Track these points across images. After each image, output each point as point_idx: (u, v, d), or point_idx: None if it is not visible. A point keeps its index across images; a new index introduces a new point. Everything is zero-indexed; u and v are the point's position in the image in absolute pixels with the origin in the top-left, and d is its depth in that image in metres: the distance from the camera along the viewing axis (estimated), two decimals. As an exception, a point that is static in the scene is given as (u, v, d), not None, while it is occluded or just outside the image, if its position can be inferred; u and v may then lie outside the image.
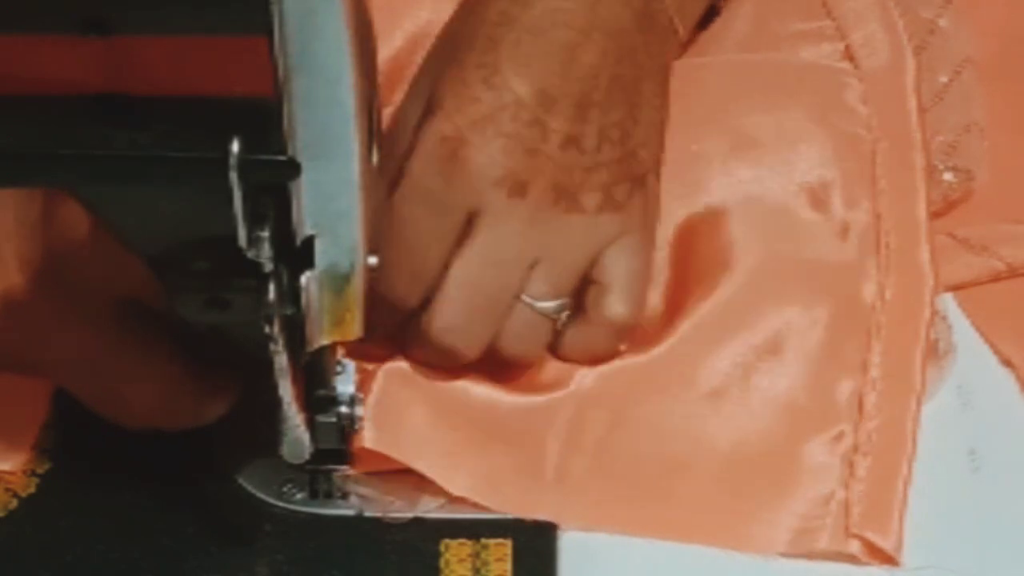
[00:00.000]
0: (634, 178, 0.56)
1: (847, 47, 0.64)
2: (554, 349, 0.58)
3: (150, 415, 0.55)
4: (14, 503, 0.56)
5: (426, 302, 0.55)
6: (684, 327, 0.58)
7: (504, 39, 0.54)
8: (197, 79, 0.38)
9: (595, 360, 0.58)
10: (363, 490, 0.57)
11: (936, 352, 0.59)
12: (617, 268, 0.56)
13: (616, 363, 0.58)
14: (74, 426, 0.57)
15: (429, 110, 0.55)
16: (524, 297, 0.55)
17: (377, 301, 0.55)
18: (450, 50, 0.56)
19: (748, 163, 0.61)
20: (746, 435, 0.57)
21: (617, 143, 0.56)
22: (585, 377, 0.58)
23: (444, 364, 0.57)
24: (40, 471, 0.57)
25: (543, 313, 0.56)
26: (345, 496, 0.57)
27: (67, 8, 0.37)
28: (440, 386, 0.57)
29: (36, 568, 0.55)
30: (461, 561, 0.55)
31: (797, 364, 0.58)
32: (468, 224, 0.54)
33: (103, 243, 0.51)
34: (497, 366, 0.57)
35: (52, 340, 0.54)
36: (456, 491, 0.55)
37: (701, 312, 0.59)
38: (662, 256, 0.60)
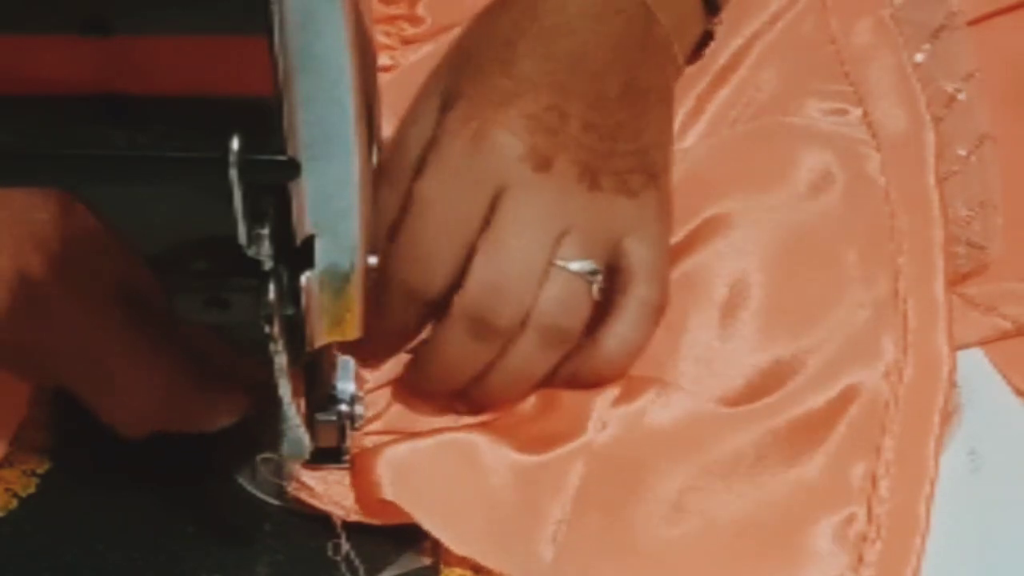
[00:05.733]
0: (648, 172, 0.57)
1: (865, 115, 0.64)
2: (596, 350, 0.57)
3: (143, 414, 0.54)
4: (14, 503, 0.56)
5: (445, 293, 0.55)
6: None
7: (519, 41, 0.57)
8: (197, 79, 0.38)
9: (635, 354, 0.58)
10: (363, 490, 0.57)
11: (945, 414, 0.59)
12: (638, 254, 0.57)
13: (632, 426, 0.57)
14: (74, 426, 0.57)
15: (448, 104, 0.57)
16: (557, 261, 0.55)
17: (384, 303, 0.55)
18: (464, 56, 0.58)
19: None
20: (757, 512, 0.56)
21: (631, 139, 0.57)
22: (597, 434, 0.57)
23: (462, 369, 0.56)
24: (40, 471, 0.57)
25: (578, 274, 0.56)
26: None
27: (67, 8, 0.37)
28: (447, 439, 0.56)
29: (36, 568, 0.55)
30: (461, 562, 0.55)
31: (812, 443, 0.57)
32: (493, 207, 0.55)
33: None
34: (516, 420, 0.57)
35: (55, 323, 0.54)
36: (459, 550, 0.54)
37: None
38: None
